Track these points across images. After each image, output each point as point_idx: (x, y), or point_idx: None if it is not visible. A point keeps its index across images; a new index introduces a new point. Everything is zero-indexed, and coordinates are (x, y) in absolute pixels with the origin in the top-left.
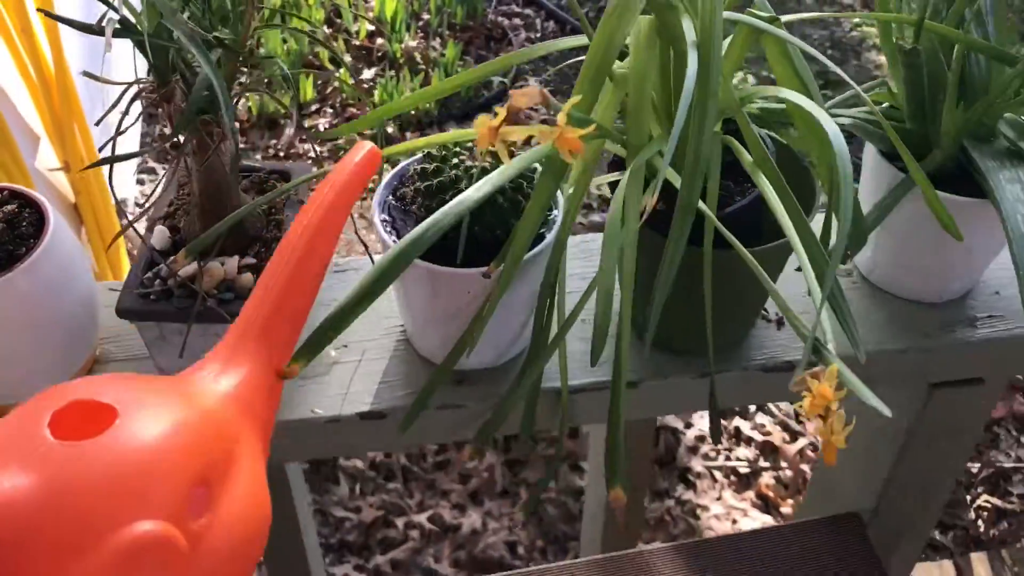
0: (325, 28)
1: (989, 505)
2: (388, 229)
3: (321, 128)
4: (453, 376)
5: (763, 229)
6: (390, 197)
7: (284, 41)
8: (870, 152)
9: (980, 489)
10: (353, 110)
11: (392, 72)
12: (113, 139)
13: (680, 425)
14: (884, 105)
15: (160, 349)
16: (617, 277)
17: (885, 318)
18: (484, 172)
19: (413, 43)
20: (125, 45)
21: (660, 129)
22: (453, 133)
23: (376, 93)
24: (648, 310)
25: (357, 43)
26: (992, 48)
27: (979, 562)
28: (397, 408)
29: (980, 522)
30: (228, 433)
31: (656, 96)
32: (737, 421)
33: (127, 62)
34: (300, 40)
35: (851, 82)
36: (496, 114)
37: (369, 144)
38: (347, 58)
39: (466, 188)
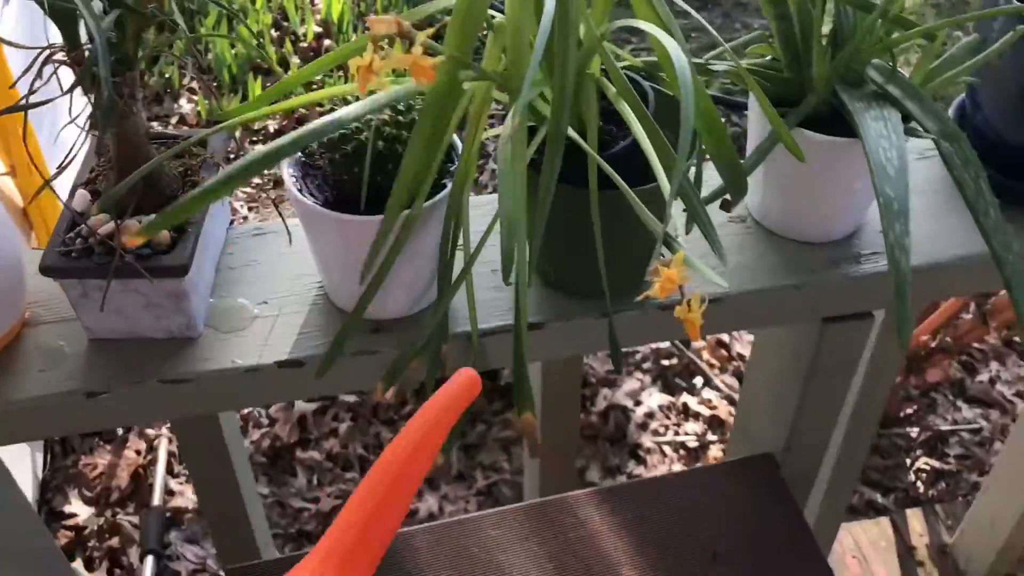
0: (272, 31)
1: (928, 467)
2: (298, 186)
3: (271, 128)
4: (370, 325)
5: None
6: (299, 154)
7: (232, 45)
8: (752, 101)
9: (919, 452)
10: (303, 110)
11: (340, 73)
12: (26, 96)
13: (630, 403)
14: (768, 57)
15: (84, 307)
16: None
17: (778, 260)
18: (384, 124)
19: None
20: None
21: (542, 74)
22: (351, 86)
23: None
24: (551, 255)
25: (304, 45)
26: None
27: (914, 517)
28: (315, 356)
29: (919, 483)
30: None
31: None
32: (685, 397)
33: None
34: (248, 43)
35: (715, 33)
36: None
37: (468, 370)
38: (295, 60)
39: (367, 139)
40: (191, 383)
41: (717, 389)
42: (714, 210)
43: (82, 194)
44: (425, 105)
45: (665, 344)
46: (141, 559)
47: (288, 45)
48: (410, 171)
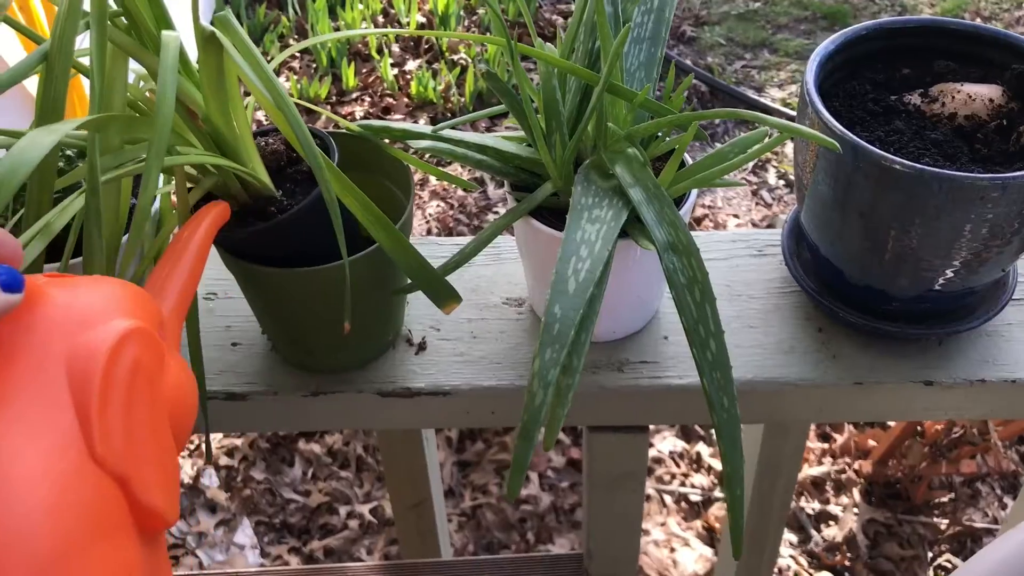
0: (380, 18)
1: (950, 566)
2: None
3: (357, 115)
4: None
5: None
6: None
7: (336, 29)
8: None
9: (943, 547)
10: (390, 99)
11: (437, 64)
12: None
13: None
14: None
15: None
16: None
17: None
18: None
19: (458, 38)
20: None
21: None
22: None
23: (412, 85)
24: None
25: (406, 34)
26: (585, 73)
27: None
28: None
29: None
30: (167, 321)
31: None
32: (700, 446)
33: None
34: (352, 28)
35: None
36: None
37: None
38: (395, 48)
39: None
40: None
41: None
42: (482, 290)
43: None
44: None
45: None
46: None
47: (390, 34)
48: None
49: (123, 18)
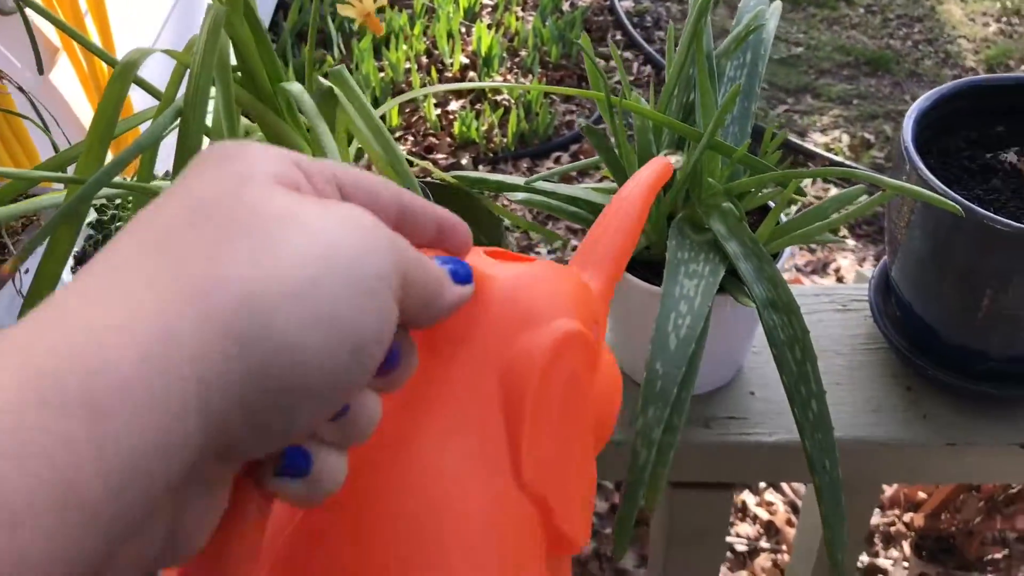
0: (424, 59)
1: None
2: None
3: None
4: None
5: None
6: None
7: (380, 70)
8: None
9: None
10: (433, 139)
11: (479, 105)
12: None
13: None
14: None
15: None
16: None
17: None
18: None
19: (501, 79)
20: None
21: None
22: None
23: (455, 125)
24: None
25: (450, 75)
26: (684, 128)
27: None
28: None
29: None
30: (599, 306)
31: None
32: (745, 495)
33: None
34: (396, 68)
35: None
36: None
37: (662, 158)
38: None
39: None
40: None
41: (781, 492)
42: None
43: None
44: None
45: None
46: None
47: (434, 74)
48: None
49: (238, 72)
